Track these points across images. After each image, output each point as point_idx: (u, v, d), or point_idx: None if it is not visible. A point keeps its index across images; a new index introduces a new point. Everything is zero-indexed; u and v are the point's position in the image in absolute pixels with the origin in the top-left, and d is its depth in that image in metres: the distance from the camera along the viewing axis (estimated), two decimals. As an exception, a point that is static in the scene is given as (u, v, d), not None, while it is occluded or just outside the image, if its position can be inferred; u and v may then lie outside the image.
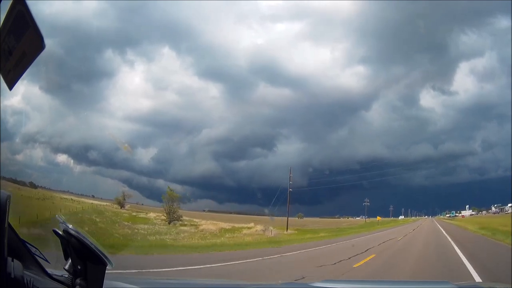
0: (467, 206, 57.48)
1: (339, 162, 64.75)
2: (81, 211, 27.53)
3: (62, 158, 44.59)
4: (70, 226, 1.60)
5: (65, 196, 31.32)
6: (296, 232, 33.18)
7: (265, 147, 68.79)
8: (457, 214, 57.89)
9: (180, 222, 31.37)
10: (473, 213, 55.97)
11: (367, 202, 50.28)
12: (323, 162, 61.26)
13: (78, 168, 47.08)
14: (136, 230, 23.55)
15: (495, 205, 52.43)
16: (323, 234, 30.96)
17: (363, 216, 57.03)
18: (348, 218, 54.91)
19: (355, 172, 56.45)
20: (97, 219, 25.13)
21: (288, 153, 61.64)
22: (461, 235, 24.75)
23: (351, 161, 65.60)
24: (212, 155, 63.49)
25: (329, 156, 62.53)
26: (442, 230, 31.55)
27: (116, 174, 54.98)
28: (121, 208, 34.23)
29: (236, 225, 32.80)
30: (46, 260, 1.77)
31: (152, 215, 33.61)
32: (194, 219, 34.66)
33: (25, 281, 1.43)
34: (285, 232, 32.71)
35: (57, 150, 43.48)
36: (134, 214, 33.95)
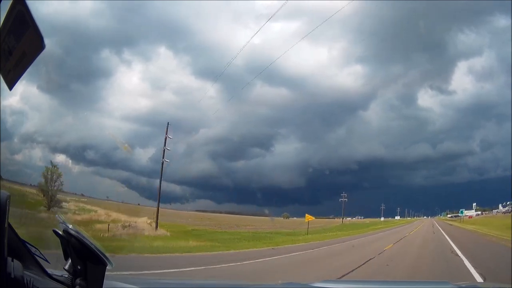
0: (474, 204, 52.76)
1: (337, 162, 64.88)
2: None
3: (60, 158, 44.52)
4: (70, 226, 1.60)
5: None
6: (168, 235, 24.59)
7: (263, 147, 68.88)
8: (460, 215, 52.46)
9: (62, 208, 26.62)
10: (478, 213, 52.62)
11: (345, 198, 45.36)
12: (322, 162, 61.44)
13: (76, 168, 47.03)
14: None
15: (504, 203, 48.26)
16: (195, 243, 20.02)
17: (359, 216, 56.05)
18: (346, 218, 54.25)
19: (354, 172, 56.50)
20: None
21: (287, 153, 61.80)
22: None
23: (350, 161, 65.63)
24: (209, 155, 63.63)
25: (327, 156, 62.65)
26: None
27: (115, 174, 55.04)
28: (43, 196, 30.02)
29: (124, 219, 27.92)
30: (46, 260, 1.76)
31: (63, 204, 29.10)
32: (88, 207, 30.62)
33: (25, 281, 1.43)
34: (146, 233, 24.48)
35: (55, 150, 43.45)
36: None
